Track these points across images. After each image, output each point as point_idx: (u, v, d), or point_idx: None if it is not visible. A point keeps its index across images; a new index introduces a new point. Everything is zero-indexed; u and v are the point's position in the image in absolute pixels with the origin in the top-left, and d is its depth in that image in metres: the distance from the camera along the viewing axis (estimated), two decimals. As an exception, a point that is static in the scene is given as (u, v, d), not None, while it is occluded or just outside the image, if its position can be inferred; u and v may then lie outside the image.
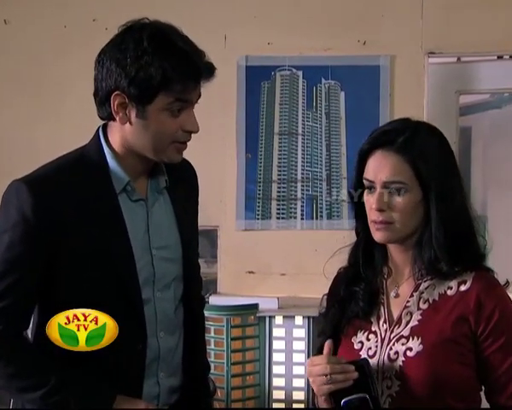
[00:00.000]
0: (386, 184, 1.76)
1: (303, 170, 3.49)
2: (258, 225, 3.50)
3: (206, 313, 3.27)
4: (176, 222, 1.92)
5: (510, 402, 1.74)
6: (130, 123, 1.80)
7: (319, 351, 1.82)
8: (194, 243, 2.01)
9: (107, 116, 1.83)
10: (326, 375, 1.69)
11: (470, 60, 3.48)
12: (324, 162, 3.48)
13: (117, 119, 1.80)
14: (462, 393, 1.75)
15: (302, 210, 3.49)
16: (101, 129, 1.88)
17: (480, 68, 3.46)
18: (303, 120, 3.50)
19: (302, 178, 3.49)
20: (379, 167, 1.77)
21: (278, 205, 3.50)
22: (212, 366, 3.27)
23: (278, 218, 3.50)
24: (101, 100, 1.81)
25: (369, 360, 1.75)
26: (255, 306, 3.32)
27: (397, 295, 1.83)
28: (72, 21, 3.49)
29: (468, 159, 3.71)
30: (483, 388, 1.81)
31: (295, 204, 3.49)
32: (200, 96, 1.83)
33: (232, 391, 3.29)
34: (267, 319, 3.31)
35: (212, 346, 3.30)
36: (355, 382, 1.69)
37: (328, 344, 1.74)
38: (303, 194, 3.49)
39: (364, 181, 1.80)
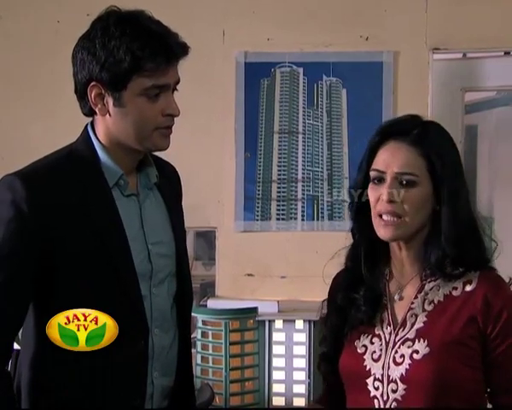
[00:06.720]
0: (397, 175, 1.75)
1: (303, 169, 3.47)
2: (257, 226, 3.48)
3: (205, 317, 3.28)
4: (168, 218, 1.94)
5: None
6: (109, 114, 1.81)
7: (322, 359, 1.86)
8: (184, 240, 2.02)
9: (88, 111, 1.85)
10: None
11: (476, 56, 3.48)
12: (325, 162, 3.47)
13: (96, 110, 1.82)
14: (469, 396, 1.74)
15: (303, 211, 3.47)
16: (89, 124, 1.89)
17: (487, 65, 3.45)
18: (303, 118, 3.47)
19: (303, 177, 3.47)
20: (391, 158, 1.76)
21: (278, 206, 3.48)
22: (210, 371, 3.30)
23: (278, 219, 3.48)
24: (81, 94, 1.83)
25: (374, 364, 1.76)
26: (254, 309, 3.30)
27: (401, 298, 1.82)
28: (66, 16, 3.46)
29: (474, 158, 3.72)
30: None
31: (296, 205, 3.47)
32: (178, 81, 1.84)
33: (231, 397, 3.29)
34: (267, 323, 3.29)
35: (210, 351, 3.30)
36: None
37: None
38: (303, 194, 3.47)
39: (372, 172, 1.79)
